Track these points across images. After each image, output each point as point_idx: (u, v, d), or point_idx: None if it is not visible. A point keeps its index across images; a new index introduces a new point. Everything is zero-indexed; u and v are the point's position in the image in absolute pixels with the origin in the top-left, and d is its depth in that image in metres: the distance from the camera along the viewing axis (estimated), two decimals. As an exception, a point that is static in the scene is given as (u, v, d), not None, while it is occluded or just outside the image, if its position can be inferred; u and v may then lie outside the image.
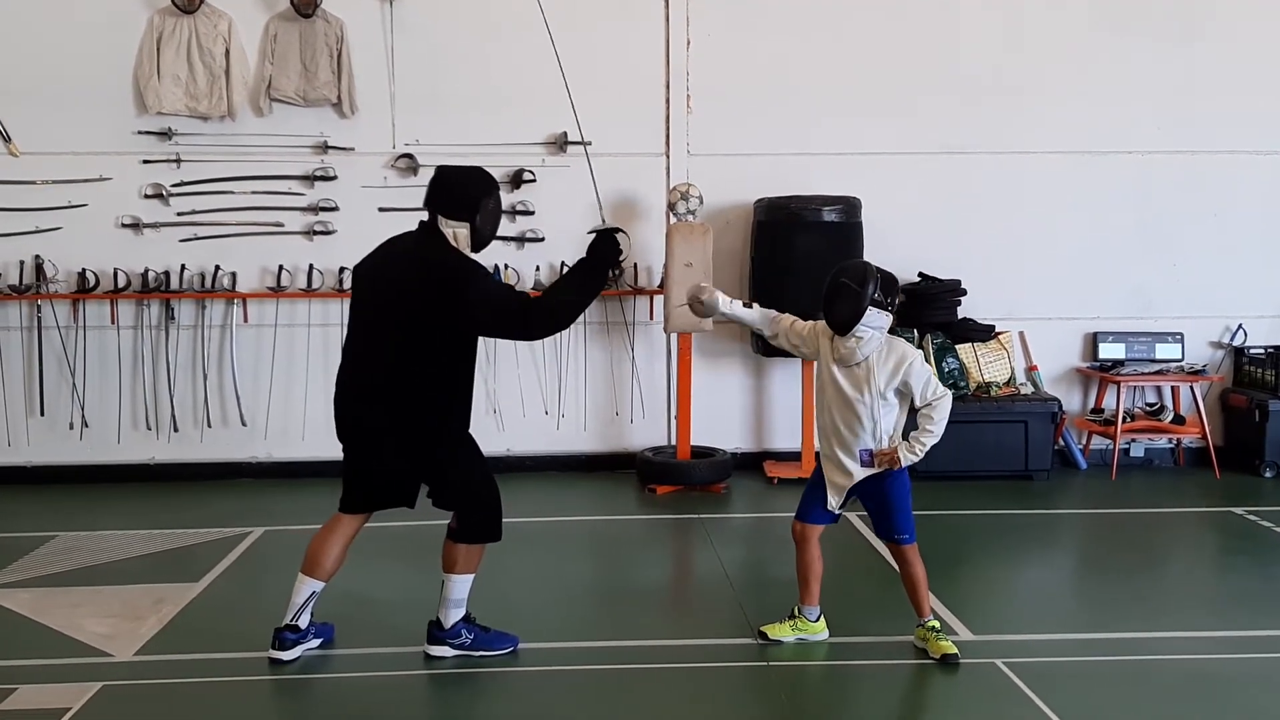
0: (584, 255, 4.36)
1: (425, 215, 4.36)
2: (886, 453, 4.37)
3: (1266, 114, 7.86)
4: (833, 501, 4.49)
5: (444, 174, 4.44)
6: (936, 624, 4.53)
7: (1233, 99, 7.82)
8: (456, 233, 4.29)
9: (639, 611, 5.14)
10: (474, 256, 4.35)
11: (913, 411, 4.44)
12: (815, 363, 4.55)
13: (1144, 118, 7.83)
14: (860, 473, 4.41)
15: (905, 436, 4.42)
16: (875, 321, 4.29)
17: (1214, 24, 7.80)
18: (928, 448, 4.36)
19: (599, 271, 4.36)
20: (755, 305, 4.72)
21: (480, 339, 4.46)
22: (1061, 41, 7.77)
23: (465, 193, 4.34)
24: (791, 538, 4.62)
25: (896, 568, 4.61)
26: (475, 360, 4.43)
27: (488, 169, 4.49)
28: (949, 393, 4.41)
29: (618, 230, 4.37)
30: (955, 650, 4.44)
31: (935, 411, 4.33)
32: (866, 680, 4.44)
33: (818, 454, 4.62)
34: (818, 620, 4.64)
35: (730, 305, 4.59)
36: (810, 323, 4.54)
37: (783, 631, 4.62)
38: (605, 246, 4.34)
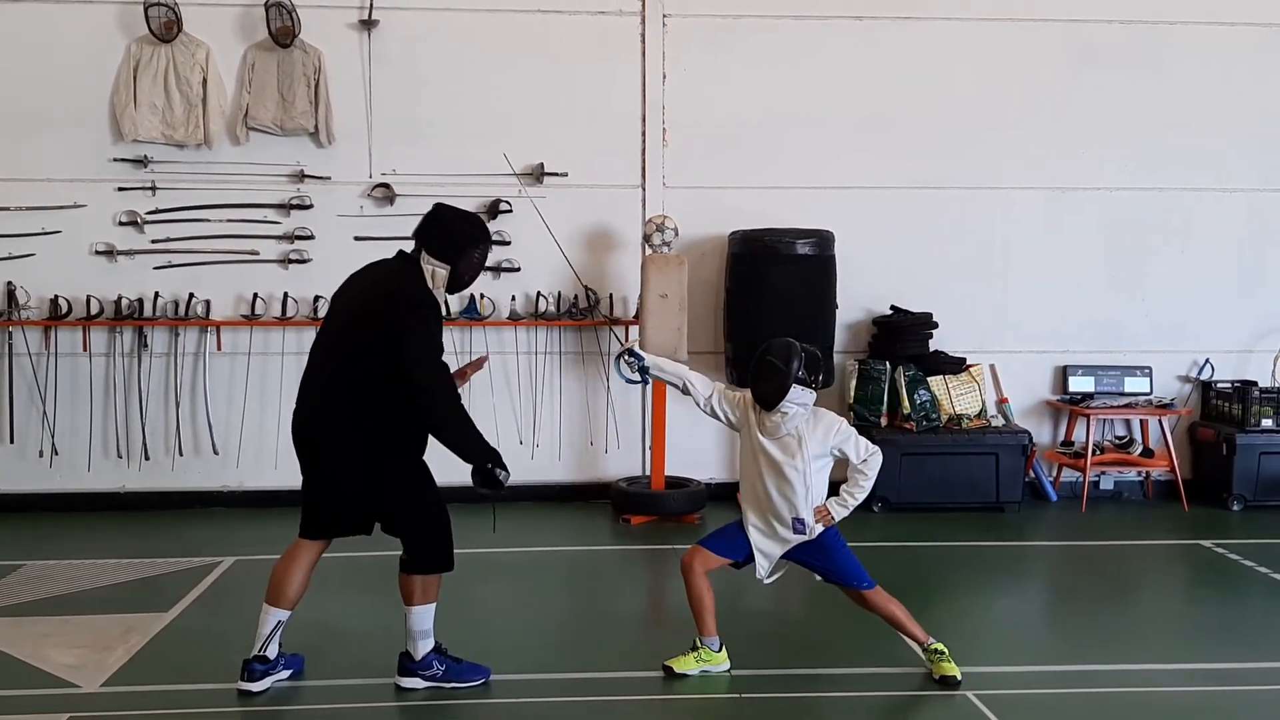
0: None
1: (410, 245, 4.41)
2: (821, 510, 4.46)
3: (1232, 152, 8.00)
4: (762, 570, 4.57)
5: (441, 212, 4.47)
6: (940, 646, 4.56)
7: (1199, 137, 7.96)
8: (436, 271, 4.34)
9: (613, 643, 5.14)
10: (444, 296, 4.44)
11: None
12: (740, 435, 4.61)
13: (1113, 155, 7.96)
14: (794, 539, 4.50)
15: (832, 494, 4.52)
16: (799, 399, 4.40)
17: (1181, 63, 7.94)
18: (859, 501, 4.49)
19: (481, 465, 4.27)
20: (687, 365, 4.81)
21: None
22: (1032, 79, 7.88)
23: (457, 237, 4.38)
24: (680, 571, 4.63)
25: (872, 612, 4.63)
26: None
27: (464, 199, 4.52)
28: (879, 449, 4.55)
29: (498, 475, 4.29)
30: (957, 674, 4.48)
31: (868, 467, 4.49)
32: (841, 714, 4.43)
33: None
34: (720, 651, 4.66)
35: (657, 365, 4.65)
36: (740, 393, 4.64)
37: (686, 664, 4.62)
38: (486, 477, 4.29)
